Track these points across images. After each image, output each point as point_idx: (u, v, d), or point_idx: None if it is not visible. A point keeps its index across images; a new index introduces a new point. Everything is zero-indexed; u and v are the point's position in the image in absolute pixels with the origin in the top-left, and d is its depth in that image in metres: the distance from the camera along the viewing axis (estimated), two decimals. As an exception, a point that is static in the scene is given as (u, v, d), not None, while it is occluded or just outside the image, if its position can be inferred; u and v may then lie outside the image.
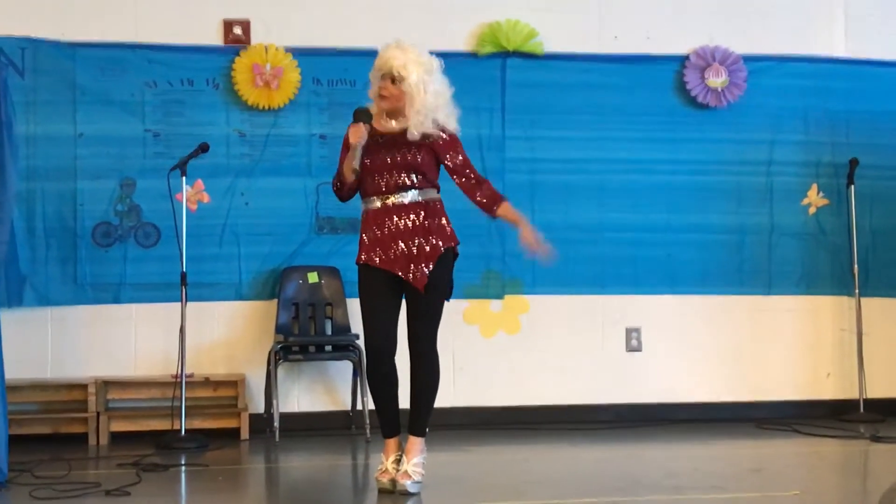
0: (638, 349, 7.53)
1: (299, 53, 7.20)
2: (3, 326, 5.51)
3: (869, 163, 7.60)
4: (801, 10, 7.75)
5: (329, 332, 7.10)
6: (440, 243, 5.04)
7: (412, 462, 5.08)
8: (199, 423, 6.74)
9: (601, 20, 7.53)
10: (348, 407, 7.16)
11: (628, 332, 7.53)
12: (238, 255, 7.16)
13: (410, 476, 5.06)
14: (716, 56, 7.55)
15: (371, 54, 7.26)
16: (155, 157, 7.03)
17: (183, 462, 6.09)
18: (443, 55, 7.21)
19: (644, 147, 7.52)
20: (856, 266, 7.51)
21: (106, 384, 6.86)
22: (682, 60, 7.57)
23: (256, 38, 7.19)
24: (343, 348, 6.93)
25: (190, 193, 6.89)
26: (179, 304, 6.53)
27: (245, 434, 6.83)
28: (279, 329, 7.00)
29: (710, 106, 7.56)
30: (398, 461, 5.14)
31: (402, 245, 5.02)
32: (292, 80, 7.18)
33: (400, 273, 5.00)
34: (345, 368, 7.12)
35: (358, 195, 5.21)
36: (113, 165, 7.03)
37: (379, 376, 5.11)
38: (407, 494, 5.04)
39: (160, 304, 6.95)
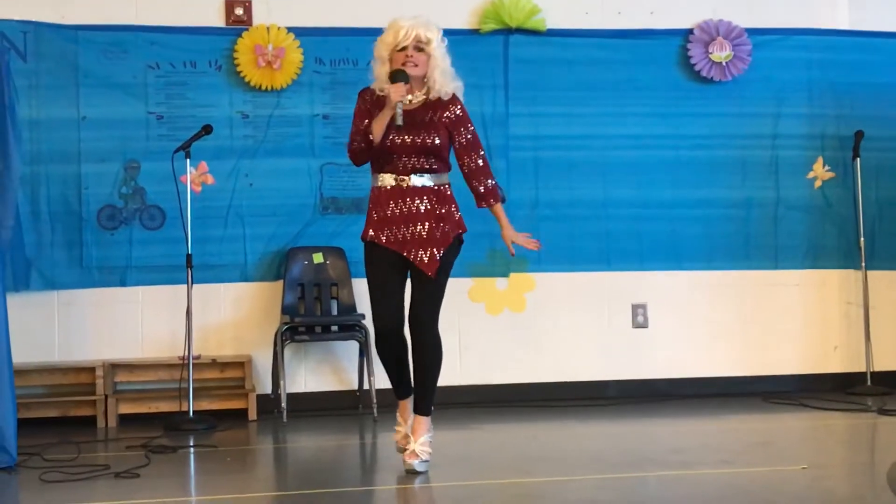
0: (644, 325, 7.54)
1: (301, 33, 7.19)
2: (10, 311, 5.53)
3: (874, 135, 7.58)
4: (805, -17, 7.74)
5: (335, 312, 7.10)
6: (450, 231, 5.11)
7: (419, 441, 5.13)
8: (206, 405, 6.77)
9: (604, -5, 7.52)
10: (355, 387, 7.18)
11: (634, 308, 7.54)
12: (243, 237, 7.17)
13: (418, 455, 5.12)
14: (719, 30, 7.53)
15: (373, 32, 7.26)
16: (159, 139, 7.03)
17: (191, 443, 6.10)
18: (445, 32, 7.20)
19: (648, 122, 7.51)
20: (862, 239, 7.50)
21: (113, 367, 6.88)
22: (686, 35, 7.55)
23: (258, 18, 7.18)
24: (349, 328, 6.94)
25: (194, 175, 6.89)
26: (185, 286, 6.55)
27: (253, 415, 6.85)
28: (285, 310, 7.00)
29: (715, 80, 7.54)
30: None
31: (412, 228, 5.05)
32: (294, 61, 7.17)
33: (410, 256, 5.04)
34: (351, 348, 7.13)
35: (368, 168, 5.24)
36: (117, 148, 7.03)
37: (389, 351, 5.18)
38: (415, 473, 5.09)
39: (166, 286, 6.98)
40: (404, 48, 5.04)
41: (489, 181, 5.20)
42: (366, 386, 6.95)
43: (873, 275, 7.56)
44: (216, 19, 7.16)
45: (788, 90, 7.66)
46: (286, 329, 6.85)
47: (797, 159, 7.68)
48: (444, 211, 5.10)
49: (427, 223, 5.05)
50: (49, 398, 6.78)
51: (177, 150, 6.56)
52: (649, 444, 6.10)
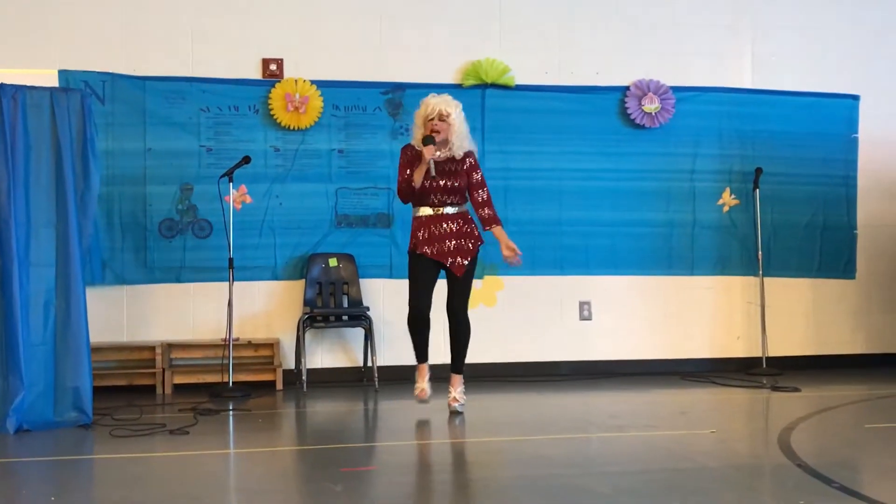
0: (589, 318, 7.53)
1: (322, 85, 7.17)
2: (89, 300, 5.53)
3: (770, 171, 7.59)
4: (717, 51, 7.73)
5: (345, 305, 7.07)
6: (473, 245, 5.65)
7: (458, 391, 5.74)
8: (243, 377, 6.74)
9: (560, 59, 7.50)
10: (361, 364, 7.15)
11: (581, 304, 7.53)
12: (274, 245, 7.14)
13: (458, 400, 5.72)
14: (650, 87, 7.54)
15: (377, 85, 7.35)
16: (208, 167, 7.00)
17: (231, 408, 6.09)
18: (434, 87, 7.29)
19: (594, 159, 7.50)
20: (760, 252, 7.51)
21: (170, 346, 6.84)
22: (624, 90, 7.56)
23: (288, 73, 7.15)
24: (357, 318, 6.92)
25: (236, 196, 6.87)
26: (228, 283, 6.52)
27: (279, 385, 6.83)
28: (306, 302, 6.98)
29: (646, 126, 7.55)
30: (429, 380, 5.76)
31: (447, 243, 5.58)
32: (316, 107, 7.16)
33: (447, 263, 5.58)
34: (358, 333, 7.11)
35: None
36: (175, 174, 6.99)
37: (419, 326, 5.67)
38: (457, 413, 5.67)
39: (213, 283, 6.92)
40: (432, 119, 5.55)
41: (490, 210, 5.67)
42: (369, 363, 6.93)
43: (768, 280, 7.58)
44: (255, 73, 7.14)
45: (704, 135, 7.66)
46: (307, 318, 6.83)
47: (710, 189, 7.68)
48: (467, 229, 5.65)
49: (457, 239, 5.60)
50: (118, 370, 6.74)
51: (222, 176, 6.54)
52: (592, 411, 6.11)
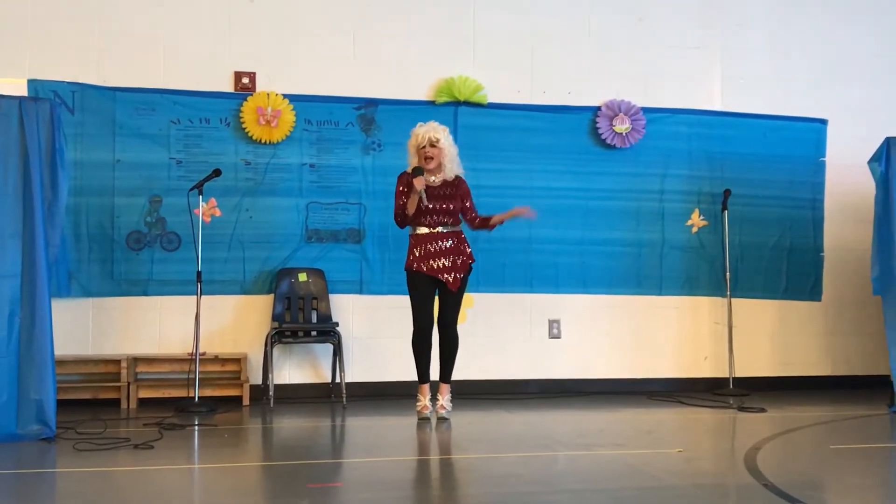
0: (558, 336, 7.56)
1: (294, 99, 7.17)
2: (54, 312, 5.46)
3: (739, 193, 7.68)
4: (688, 73, 7.83)
5: (314, 320, 7.06)
6: (467, 261, 6.02)
7: (446, 399, 6.09)
8: (209, 392, 6.69)
9: (533, 78, 7.56)
10: (329, 380, 7.13)
11: (550, 322, 7.55)
12: (243, 259, 7.11)
13: (445, 407, 6.08)
14: (621, 108, 7.61)
15: (350, 101, 7.36)
16: (178, 179, 6.97)
17: (196, 423, 6.04)
18: (407, 103, 7.34)
19: (564, 178, 7.55)
20: (728, 273, 7.58)
21: (135, 360, 6.79)
22: (595, 111, 7.62)
23: (261, 86, 7.15)
24: (325, 333, 6.90)
25: (205, 209, 6.84)
26: (195, 296, 6.48)
27: (246, 401, 6.78)
28: (275, 317, 6.96)
29: (617, 146, 7.61)
30: (432, 399, 6.10)
31: (441, 260, 5.93)
32: (288, 121, 7.15)
33: (442, 278, 5.92)
34: (326, 349, 7.09)
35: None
36: (144, 185, 6.96)
37: (423, 344, 5.99)
38: (444, 419, 6.01)
39: (180, 296, 6.88)
40: (423, 147, 5.94)
41: (477, 217, 6.16)
42: (337, 380, 6.90)
43: (736, 301, 7.64)
44: (227, 86, 7.13)
45: (673, 156, 7.73)
46: (275, 333, 6.80)
47: (679, 210, 7.75)
48: (461, 248, 6.02)
49: (451, 256, 5.95)
50: (82, 384, 6.68)
51: (192, 188, 6.52)
52: (560, 429, 6.11)
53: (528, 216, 6.17)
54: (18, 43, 6.80)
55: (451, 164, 6.04)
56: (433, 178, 5.98)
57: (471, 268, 6.10)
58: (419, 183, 5.85)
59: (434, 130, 5.97)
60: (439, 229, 5.97)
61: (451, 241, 5.99)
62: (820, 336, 7.94)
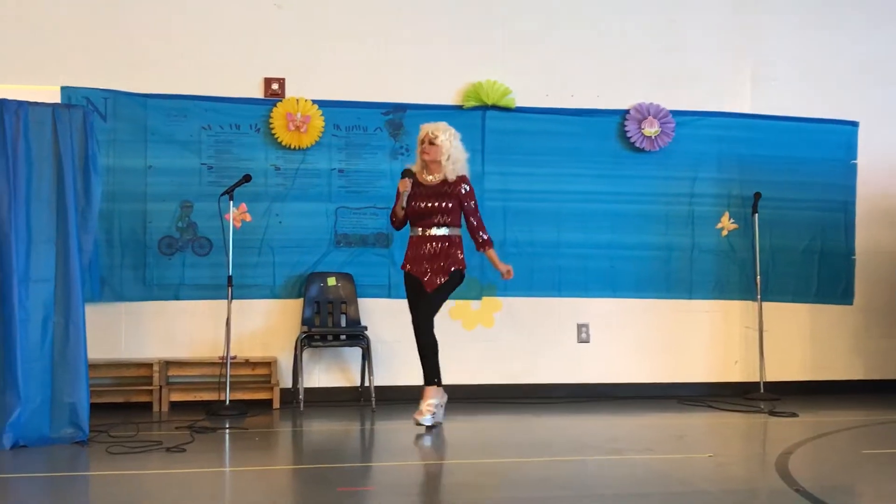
0: (587, 341, 7.53)
1: (323, 105, 7.20)
2: (87, 317, 5.52)
3: (769, 195, 7.61)
4: (718, 76, 7.78)
5: (343, 324, 7.08)
6: (451, 266, 5.90)
7: (425, 403, 5.84)
8: (240, 395, 6.73)
9: (561, 81, 7.54)
10: (358, 383, 7.15)
11: (579, 327, 7.53)
12: (273, 263, 7.14)
13: (423, 413, 5.81)
14: (650, 111, 7.58)
15: (378, 106, 7.40)
16: (209, 185, 7.02)
17: (227, 426, 6.08)
18: (435, 108, 7.36)
19: (593, 181, 7.52)
20: (758, 277, 7.52)
21: (167, 363, 6.84)
22: (624, 114, 7.59)
23: (290, 92, 7.19)
24: (354, 337, 6.92)
25: (236, 214, 6.88)
26: (226, 301, 6.52)
27: (276, 404, 6.82)
28: (304, 321, 6.99)
29: (645, 150, 7.58)
30: (437, 405, 5.90)
31: (426, 263, 5.91)
32: (318, 126, 7.19)
33: (422, 280, 5.89)
34: (356, 353, 7.11)
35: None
36: (175, 191, 7.01)
37: (423, 342, 5.86)
38: (420, 425, 5.78)
39: (211, 300, 6.92)
40: (423, 142, 5.93)
41: (483, 235, 6.03)
42: (367, 383, 6.92)
43: (767, 305, 7.58)
44: (257, 92, 7.18)
45: (703, 159, 7.69)
46: (304, 337, 6.83)
47: (709, 213, 7.70)
48: (450, 252, 5.92)
49: (437, 261, 5.89)
50: (115, 387, 6.73)
51: (223, 194, 6.57)
52: (589, 434, 6.10)
53: (504, 277, 6.15)
54: (51, 50, 6.88)
55: (453, 165, 5.96)
56: (430, 176, 5.97)
57: (460, 275, 6.00)
58: (402, 185, 5.92)
59: (435, 128, 5.95)
60: (432, 231, 5.94)
61: (441, 245, 5.93)
62: (852, 340, 7.86)
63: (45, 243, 5.38)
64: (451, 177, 5.94)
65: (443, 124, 5.99)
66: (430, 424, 5.80)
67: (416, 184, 5.99)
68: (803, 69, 7.87)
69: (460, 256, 5.98)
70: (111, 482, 4.57)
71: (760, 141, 7.76)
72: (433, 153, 5.92)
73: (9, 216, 5.26)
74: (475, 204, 6.04)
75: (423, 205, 5.93)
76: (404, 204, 5.95)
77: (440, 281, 5.88)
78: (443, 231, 5.94)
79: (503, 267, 6.11)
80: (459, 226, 6.05)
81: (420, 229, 5.98)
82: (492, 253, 6.10)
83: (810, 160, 7.81)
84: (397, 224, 6.10)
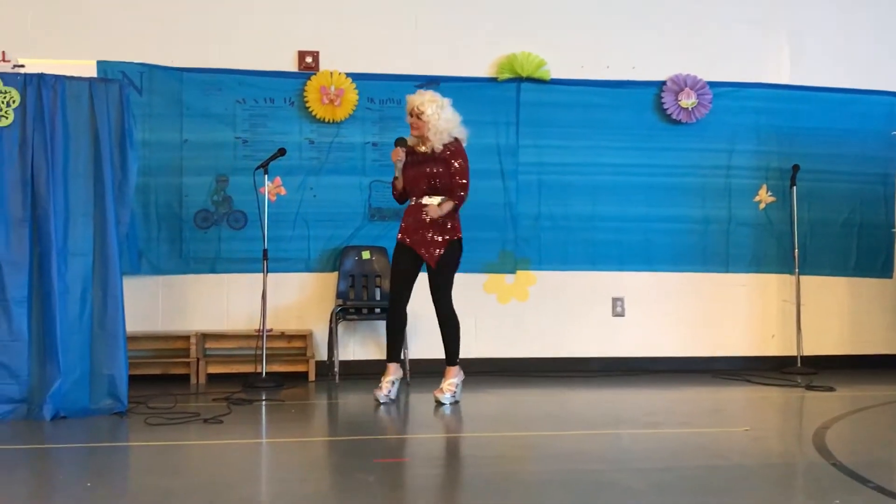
0: (622, 314, 7.51)
1: (357, 77, 7.19)
2: (125, 290, 5.56)
3: (808, 168, 7.52)
4: (755, 46, 7.68)
5: (378, 297, 7.11)
6: (446, 237, 5.73)
7: (447, 382, 5.81)
8: (276, 368, 6.77)
9: (596, 53, 7.48)
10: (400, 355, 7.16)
11: (614, 301, 7.51)
12: (307, 237, 7.17)
13: (444, 392, 5.78)
14: (687, 82, 7.49)
15: (413, 79, 7.35)
16: (244, 158, 7.05)
17: (263, 398, 6.12)
18: (469, 80, 7.32)
19: (628, 154, 7.47)
20: (796, 250, 7.44)
21: (204, 336, 6.90)
22: (660, 85, 7.52)
23: (324, 65, 7.18)
24: (389, 310, 6.94)
25: (270, 188, 6.90)
26: (262, 274, 6.55)
27: (312, 377, 6.87)
28: (339, 295, 7.02)
29: (682, 122, 7.51)
30: (392, 382, 5.89)
31: (422, 233, 5.74)
32: (351, 99, 7.18)
33: (420, 252, 5.74)
34: (390, 326, 7.12)
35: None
36: (210, 165, 7.05)
37: (393, 317, 5.87)
38: (440, 404, 5.74)
39: (247, 274, 6.98)
40: (410, 115, 5.78)
41: (460, 193, 5.76)
42: (401, 356, 6.93)
43: (804, 279, 7.51)
44: (291, 65, 7.18)
45: (740, 131, 7.61)
46: (339, 310, 6.86)
47: (746, 186, 7.63)
48: (441, 222, 5.73)
49: (430, 231, 5.74)
50: (153, 359, 6.81)
51: (258, 168, 6.58)
52: (624, 407, 6.08)
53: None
54: (87, 25, 6.92)
55: (439, 137, 5.75)
56: (423, 146, 5.81)
57: (456, 245, 5.79)
58: (393, 155, 5.83)
59: (420, 101, 5.74)
60: (424, 200, 5.78)
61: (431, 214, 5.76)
62: (891, 314, 7.76)
63: (83, 217, 5.42)
64: (438, 147, 5.76)
65: (428, 95, 5.79)
66: (448, 402, 5.79)
67: (412, 153, 5.85)
68: (842, 39, 7.75)
69: (452, 225, 5.80)
70: (150, 453, 4.62)
71: (799, 112, 7.66)
72: (420, 128, 5.76)
73: (47, 190, 5.31)
74: (461, 163, 5.74)
75: (415, 173, 5.81)
76: (396, 175, 5.86)
77: (438, 253, 5.72)
78: (436, 200, 5.77)
79: (436, 211, 5.71)
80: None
81: (414, 198, 5.85)
82: (448, 205, 5.73)
83: (849, 132, 7.71)
84: (398, 197, 5.98)
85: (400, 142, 5.87)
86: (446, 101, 5.80)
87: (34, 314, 5.29)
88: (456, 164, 5.75)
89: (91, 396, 5.38)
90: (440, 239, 5.74)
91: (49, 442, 4.84)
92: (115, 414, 5.36)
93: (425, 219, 5.75)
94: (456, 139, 5.81)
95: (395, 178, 5.90)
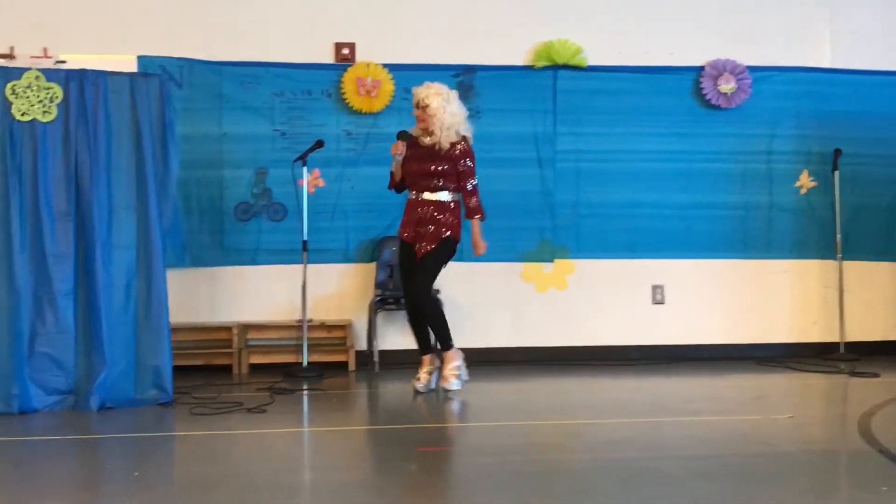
0: (662, 302, 7.47)
1: (393, 69, 7.20)
2: (168, 281, 5.63)
3: (850, 152, 7.42)
4: (795, 30, 7.59)
5: (417, 287, 7.12)
6: (441, 233, 5.67)
7: (448, 368, 5.77)
8: (317, 358, 6.82)
9: (633, 39, 7.43)
10: (432, 346, 7.17)
11: (654, 288, 7.47)
12: (346, 228, 7.21)
13: (448, 379, 5.76)
14: (726, 67, 7.42)
15: (448, 68, 7.34)
16: (282, 151, 7.08)
17: (305, 387, 6.17)
18: (506, 69, 7.30)
19: (667, 140, 7.42)
20: (838, 236, 7.36)
21: (246, 327, 6.97)
22: (699, 70, 7.45)
23: (360, 57, 7.20)
24: (428, 300, 6.95)
25: (309, 179, 6.92)
26: (302, 265, 6.60)
27: (352, 366, 6.91)
28: (378, 285, 7.05)
29: (721, 107, 7.44)
30: (430, 372, 5.86)
31: (419, 227, 5.70)
32: (388, 90, 7.19)
33: (415, 246, 5.71)
34: (430, 316, 7.14)
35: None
36: (250, 157, 7.10)
37: (412, 311, 5.83)
38: (451, 391, 5.73)
39: (287, 265, 7.02)
40: (416, 107, 5.73)
41: (471, 202, 5.72)
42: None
43: (847, 264, 7.41)
44: (328, 57, 7.20)
45: (781, 116, 7.52)
46: (378, 300, 6.89)
47: (787, 171, 7.54)
48: (440, 218, 5.68)
49: (428, 225, 5.68)
50: (196, 350, 6.87)
51: (296, 160, 6.61)
52: (664, 395, 6.06)
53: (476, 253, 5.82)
54: (127, 20, 6.99)
55: (446, 131, 5.67)
56: (428, 138, 5.73)
57: (451, 242, 5.73)
58: (393, 148, 5.75)
59: (426, 94, 5.66)
60: (424, 195, 5.71)
61: (431, 209, 5.70)
62: (937, 299, 7.66)
63: (126, 210, 5.50)
64: (445, 144, 5.67)
65: (435, 87, 5.70)
66: (459, 388, 5.77)
67: (415, 145, 5.76)
68: (884, 21, 7.63)
69: (451, 222, 5.71)
70: (196, 442, 4.68)
71: (840, 96, 7.57)
72: (426, 120, 5.68)
73: (90, 185, 5.39)
74: (470, 166, 5.70)
75: (417, 167, 5.72)
76: (394, 167, 5.81)
77: (428, 248, 5.67)
78: (437, 196, 5.70)
79: (479, 242, 5.75)
80: (457, 192, 5.78)
81: (415, 193, 5.77)
82: (476, 223, 5.73)
83: (892, 115, 7.59)
84: (394, 188, 5.94)
85: (402, 135, 5.81)
86: (453, 94, 5.75)
87: (80, 306, 5.38)
88: (464, 164, 5.68)
89: (136, 387, 5.46)
90: (434, 233, 5.69)
91: (96, 432, 4.92)
92: (160, 404, 5.43)
93: (422, 214, 5.70)
94: (464, 137, 5.73)
95: (393, 171, 5.85)
